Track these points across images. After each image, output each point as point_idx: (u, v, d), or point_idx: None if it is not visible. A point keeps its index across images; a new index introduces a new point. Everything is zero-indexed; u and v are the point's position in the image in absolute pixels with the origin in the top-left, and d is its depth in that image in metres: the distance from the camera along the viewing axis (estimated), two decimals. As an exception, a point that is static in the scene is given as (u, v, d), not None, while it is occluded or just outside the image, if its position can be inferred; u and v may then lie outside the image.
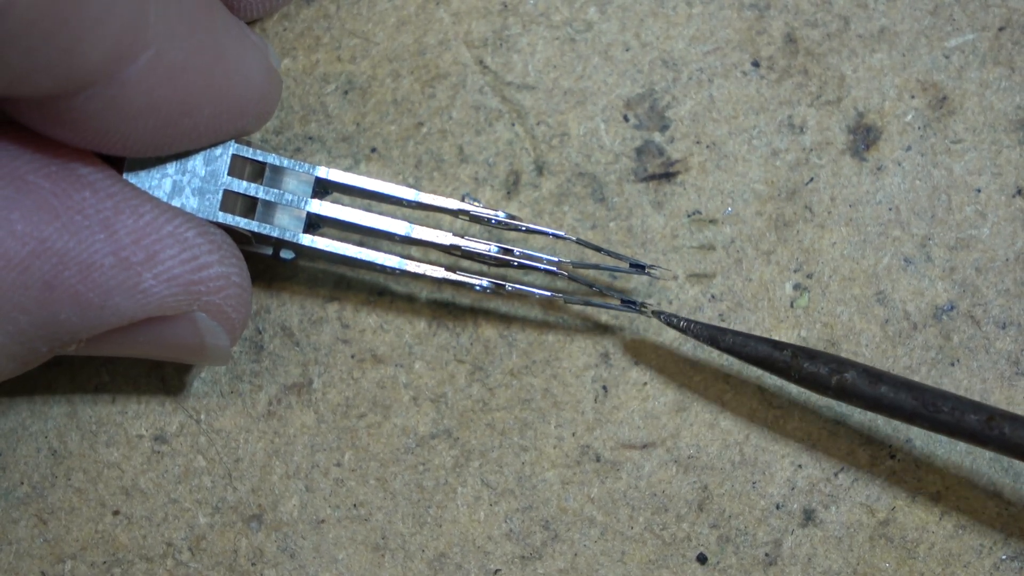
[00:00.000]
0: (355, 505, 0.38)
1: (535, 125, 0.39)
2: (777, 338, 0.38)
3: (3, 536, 0.38)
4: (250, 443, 0.38)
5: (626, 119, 0.39)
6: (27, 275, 0.32)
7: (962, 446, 0.38)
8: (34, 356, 0.34)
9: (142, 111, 0.32)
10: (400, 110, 0.39)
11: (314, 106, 0.39)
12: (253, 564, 0.38)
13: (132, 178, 0.35)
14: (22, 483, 0.38)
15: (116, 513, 0.38)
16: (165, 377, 0.39)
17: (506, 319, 0.39)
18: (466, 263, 0.38)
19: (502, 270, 0.38)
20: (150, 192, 0.35)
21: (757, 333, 0.38)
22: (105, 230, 0.33)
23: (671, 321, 0.37)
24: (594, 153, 0.39)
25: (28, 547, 0.38)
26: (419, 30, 0.39)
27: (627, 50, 0.39)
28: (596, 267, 0.38)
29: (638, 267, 0.37)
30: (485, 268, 0.38)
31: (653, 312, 0.37)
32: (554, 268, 0.37)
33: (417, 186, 0.39)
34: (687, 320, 0.37)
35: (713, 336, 0.37)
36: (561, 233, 0.37)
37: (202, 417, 0.39)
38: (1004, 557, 0.38)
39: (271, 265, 0.39)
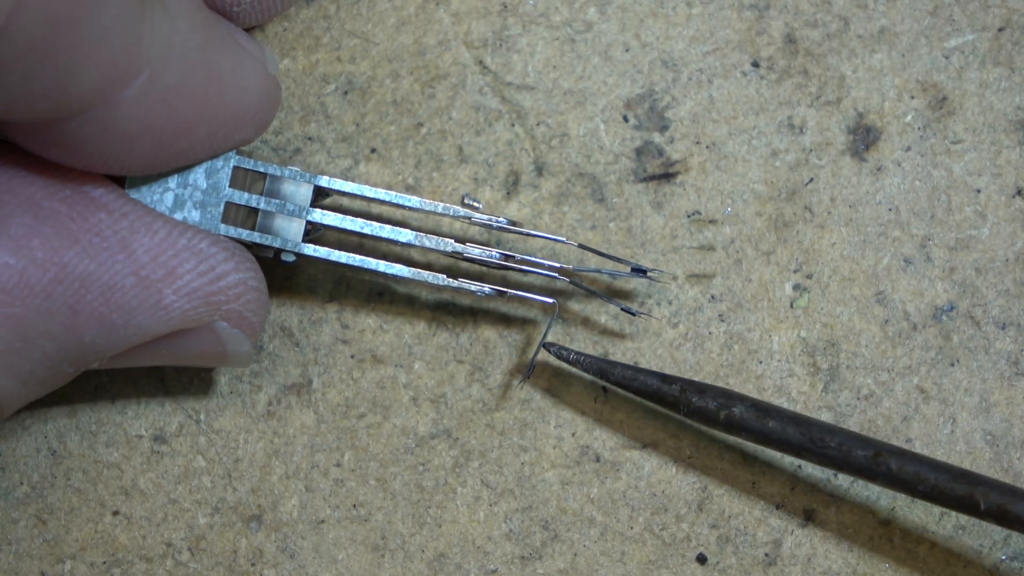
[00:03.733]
0: (355, 505, 0.38)
1: (535, 125, 0.39)
2: (776, 338, 0.38)
3: (3, 536, 0.38)
4: (250, 443, 0.38)
5: (626, 119, 0.39)
6: (51, 302, 0.32)
7: (962, 446, 0.38)
8: (61, 378, 0.34)
9: (138, 133, 0.32)
10: (400, 110, 0.39)
11: (314, 106, 0.39)
12: (253, 564, 0.38)
13: (134, 194, 0.35)
14: (22, 483, 0.38)
15: (116, 513, 0.38)
16: (165, 377, 0.39)
17: (506, 319, 0.39)
18: (467, 266, 0.38)
19: (503, 274, 0.38)
20: (153, 207, 0.35)
21: (756, 333, 0.38)
22: (124, 250, 0.33)
23: (561, 355, 0.37)
24: (594, 153, 0.39)
25: (28, 547, 0.38)
26: (419, 30, 0.39)
27: (627, 50, 0.39)
28: (597, 271, 0.38)
29: (639, 271, 0.37)
30: (486, 271, 0.38)
31: (544, 345, 0.37)
32: (555, 273, 0.37)
33: (417, 186, 0.39)
34: (576, 353, 0.37)
35: (602, 370, 0.37)
36: (562, 239, 0.37)
37: (202, 417, 0.39)
38: (1004, 557, 0.38)
39: (271, 265, 0.39)
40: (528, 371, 0.38)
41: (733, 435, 0.36)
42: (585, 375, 0.38)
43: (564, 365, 0.38)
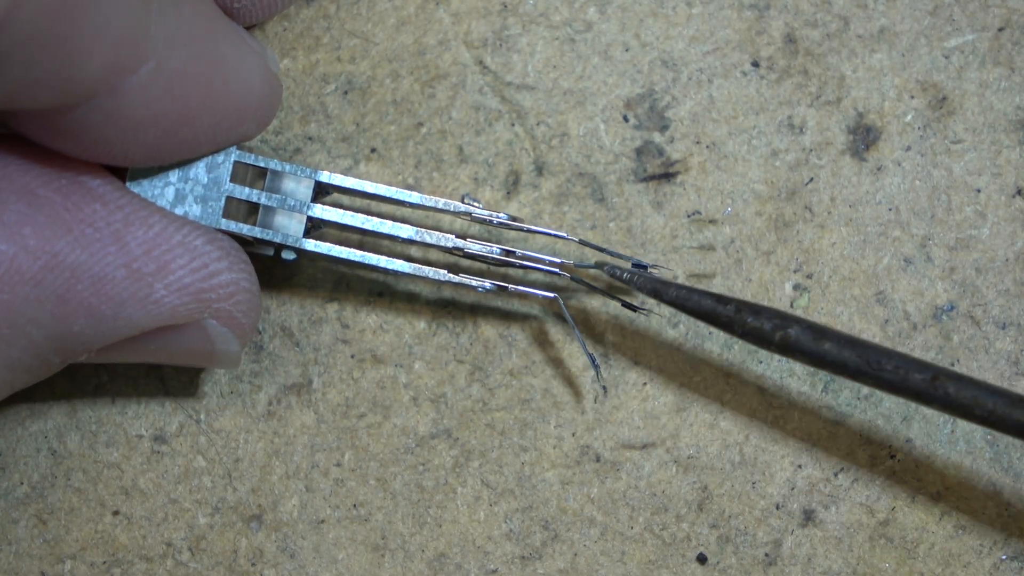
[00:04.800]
0: (355, 505, 0.38)
1: (535, 125, 0.39)
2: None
3: (3, 536, 0.38)
4: (250, 443, 0.39)
5: (626, 119, 0.39)
6: (40, 289, 0.32)
7: (962, 446, 0.38)
8: (47, 368, 0.34)
9: (142, 122, 0.32)
10: (400, 110, 0.39)
11: (314, 106, 0.39)
12: (253, 564, 0.38)
13: (135, 187, 0.35)
14: (22, 483, 0.38)
15: (116, 513, 0.38)
16: (165, 377, 0.39)
17: (506, 319, 0.39)
18: (468, 263, 0.38)
19: (504, 270, 0.38)
20: (153, 201, 0.35)
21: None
22: (116, 242, 0.33)
23: (614, 273, 0.36)
24: (594, 153, 0.39)
25: (28, 547, 0.38)
26: (419, 30, 0.39)
27: (627, 50, 0.39)
28: (598, 267, 0.38)
29: (640, 267, 0.37)
30: (487, 268, 0.38)
31: (596, 264, 0.37)
32: (556, 269, 0.37)
33: (417, 186, 0.39)
34: (630, 272, 0.36)
35: (656, 289, 0.36)
36: (563, 234, 0.37)
37: (202, 417, 0.39)
38: (1004, 557, 0.38)
39: (270, 265, 0.39)
40: (595, 369, 0.38)
41: (788, 357, 0.35)
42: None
43: (563, 364, 0.38)
